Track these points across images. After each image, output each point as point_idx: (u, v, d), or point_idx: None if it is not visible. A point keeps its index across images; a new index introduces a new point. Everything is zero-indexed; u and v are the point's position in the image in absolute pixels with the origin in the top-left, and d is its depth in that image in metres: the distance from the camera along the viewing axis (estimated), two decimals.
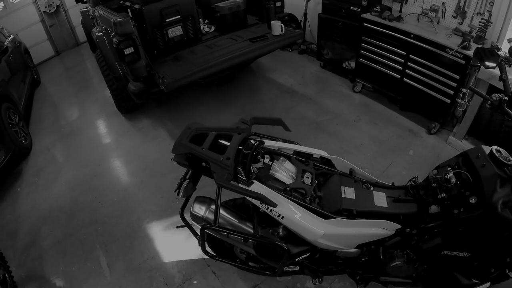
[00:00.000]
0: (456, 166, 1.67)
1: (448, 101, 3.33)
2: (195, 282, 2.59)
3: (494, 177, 1.43)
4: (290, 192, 1.70)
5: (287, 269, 2.01)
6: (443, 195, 1.58)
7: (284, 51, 5.50)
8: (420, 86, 3.52)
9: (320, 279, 2.04)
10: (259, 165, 1.74)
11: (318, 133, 3.87)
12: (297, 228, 1.64)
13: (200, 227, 1.80)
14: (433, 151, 3.50)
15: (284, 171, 1.78)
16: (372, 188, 1.84)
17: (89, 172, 3.90)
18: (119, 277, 2.75)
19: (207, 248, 1.95)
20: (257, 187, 1.63)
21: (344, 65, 4.48)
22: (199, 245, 1.84)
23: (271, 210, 1.61)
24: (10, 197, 3.81)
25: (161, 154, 3.93)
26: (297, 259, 1.81)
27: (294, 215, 1.62)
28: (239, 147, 1.67)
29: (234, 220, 1.87)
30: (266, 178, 1.74)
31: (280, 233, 1.77)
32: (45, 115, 5.31)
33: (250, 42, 3.85)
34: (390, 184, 1.97)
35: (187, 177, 1.84)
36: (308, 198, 1.69)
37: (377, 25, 3.67)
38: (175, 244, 2.88)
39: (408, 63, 3.53)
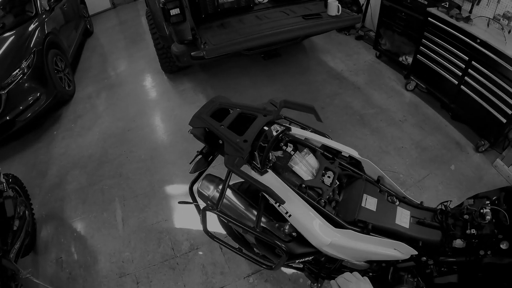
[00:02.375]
0: (496, 201, 1.43)
1: (504, 120, 2.90)
2: (200, 253, 2.59)
3: None
4: (305, 189, 1.52)
5: (290, 264, 1.86)
6: (473, 231, 1.36)
7: (341, 33, 5.13)
8: (476, 97, 3.09)
9: (320, 285, 1.88)
10: (279, 153, 1.59)
11: (359, 126, 3.60)
12: (302, 230, 1.49)
13: (203, 206, 1.68)
14: (476, 172, 3.11)
15: (305, 165, 1.60)
16: (397, 203, 1.58)
17: (123, 126, 3.96)
18: (130, 233, 2.82)
19: (208, 228, 1.81)
20: (269, 177, 1.49)
21: (400, 59, 4.07)
22: (201, 223, 1.73)
23: (279, 205, 1.47)
24: (46, 139, 3.98)
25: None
26: (298, 261, 1.67)
27: (302, 216, 1.45)
28: (262, 130, 1.51)
29: (240, 207, 1.72)
30: (284, 169, 1.58)
31: (286, 230, 1.60)
32: (92, 65, 5.46)
33: (303, 19, 3.57)
34: (419, 203, 1.70)
35: (203, 152, 1.72)
36: (323, 200, 1.50)
37: (443, 22, 3.24)
38: (189, 212, 2.83)
39: (469, 70, 3.09)
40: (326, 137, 1.86)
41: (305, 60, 4.67)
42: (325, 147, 1.75)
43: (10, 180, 2.83)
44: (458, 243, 1.40)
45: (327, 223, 1.46)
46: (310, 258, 1.66)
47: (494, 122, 3.01)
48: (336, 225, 1.46)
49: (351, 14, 3.65)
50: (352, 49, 4.80)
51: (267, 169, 1.51)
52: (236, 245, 2.00)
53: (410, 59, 3.88)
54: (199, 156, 1.70)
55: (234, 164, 1.39)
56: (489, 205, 1.39)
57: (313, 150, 1.70)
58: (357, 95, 4.01)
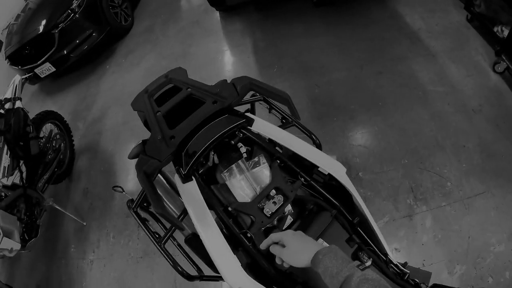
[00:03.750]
0: None
1: None
2: None
3: None
4: (234, 212, 1.15)
5: None
6: None
7: None
8: None
9: None
10: (215, 158, 1.24)
11: (418, 105, 2.89)
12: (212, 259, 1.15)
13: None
14: None
15: (245, 179, 1.19)
16: (368, 264, 0.85)
17: (166, 65, 3.95)
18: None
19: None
20: (190, 188, 1.17)
21: (496, 29, 2.98)
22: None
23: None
24: (98, 72, 4.20)
25: (232, 69, 3.65)
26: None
27: (211, 246, 1.12)
28: (207, 121, 1.21)
29: (168, 204, 1.51)
30: (220, 178, 1.23)
31: None
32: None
33: None
34: (398, 271, 1.12)
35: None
36: (249, 235, 1.10)
37: None
38: None
39: None
40: (313, 140, 1.46)
41: (376, 11, 3.80)
42: (297, 157, 1.29)
43: (46, 117, 3.09)
44: None
45: (238, 266, 1.08)
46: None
47: None
48: (259, 267, 1.10)
49: None
50: (438, 4, 3.68)
51: (193, 177, 1.19)
52: None
53: (507, 32, 2.83)
54: (140, 142, 1.51)
55: (142, 168, 1.13)
56: None
57: (271, 157, 1.26)
58: (428, 64, 3.18)
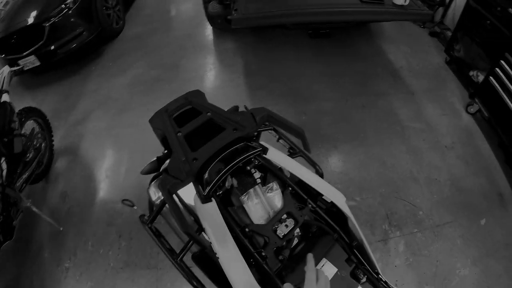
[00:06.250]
0: None
1: None
2: None
3: None
4: (250, 233, 1.24)
5: None
6: None
7: (415, 25, 4.34)
8: None
9: None
10: (235, 182, 1.32)
11: (396, 139, 3.13)
12: (229, 279, 1.21)
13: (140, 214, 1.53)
14: (507, 235, 2.57)
15: (261, 204, 1.30)
16: (363, 281, 1.24)
17: (154, 75, 3.92)
18: (128, 187, 2.88)
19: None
20: (209, 209, 1.23)
21: (471, 73, 3.31)
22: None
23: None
24: (83, 73, 4.11)
25: (223, 86, 3.69)
26: None
27: (229, 265, 1.18)
28: (226, 147, 1.28)
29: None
30: (236, 201, 1.31)
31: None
32: (148, 4, 5.33)
33: (360, 2, 3.00)
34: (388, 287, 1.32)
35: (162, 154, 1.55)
36: (264, 254, 1.20)
37: None
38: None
39: None
40: (317, 170, 1.56)
41: (363, 47, 4.07)
42: (303, 185, 1.40)
43: (29, 114, 2.98)
44: None
45: (255, 283, 1.15)
46: None
47: None
48: (273, 285, 1.18)
49: (421, 7, 2.99)
50: (421, 46, 4.04)
51: (212, 198, 1.24)
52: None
53: (481, 78, 3.14)
54: (154, 159, 1.55)
55: (167, 187, 1.17)
56: None
57: (283, 185, 1.37)
58: (407, 102, 3.44)
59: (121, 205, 2.71)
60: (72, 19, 3.84)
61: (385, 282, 1.30)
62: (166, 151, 1.50)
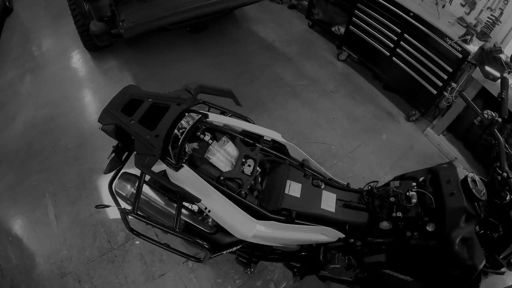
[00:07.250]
0: (422, 183, 1.44)
1: (435, 92, 2.96)
2: (137, 242, 2.47)
3: (461, 210, 1.23)
4: (224, 181, 1.44)
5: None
6: (399, 214, 1.36)
7: (274, 2, 4.84)
8: (408, 69, 3.10)
9: (252, 269, 1.85)
10: (194, 144, 1.47)
11: (290, 98, 3.45)
12: (224, 225, 1.41)
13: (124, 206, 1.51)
14: (407, 140, 3.15)
15: (223, 155, 1.51)
16: (323, 187, 1.58)
17: (48, 113, 3.43)
18: (65, 230, 2.59)
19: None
20: (185, 173, 1.36)
21: (333, 29, 3.93)
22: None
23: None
24: None
25: None
26: (226, 252, 1.55)
27: (221, 211, 1.37)
28: (176, 120, 1.40)
29: (160, 204, 1.52)
30: (202, 160, 1.46)
31: (210, 222, 1.52)
32: (13, 47, 4.57)
33: None
34: (345, 185, 1.73)
35: (118, 147, 1.54)
36: (243, 192, 1.42)
37: None
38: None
39: (401, 42, 3.06)
40: (248, 121, 1.80)
41: (235, 31, 4.35)
42: (246, 133, 1.67)
43: None
44: (385, 225, 1.42)
45: (248, 216, 1.38)
46: (238, 247, 1.57)
47: (425, 93, 3.05)
48: (259, 216, 1.41)
49: None
50: (284, 19, 4.56)
51: (183, 164, 1.37)
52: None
53: (342, 30, 3.74)
54: (112, 155, 1.52)
55: (145, 164, 1.26)
56: (415, 187, 1.40)
57: (232, 137, 1.60)
58: (288, 66, 3.83)
59: (66, 251, 2.45)
60: None
61: (337, 182, 1.72)
62: (119, 143, 1.54)
